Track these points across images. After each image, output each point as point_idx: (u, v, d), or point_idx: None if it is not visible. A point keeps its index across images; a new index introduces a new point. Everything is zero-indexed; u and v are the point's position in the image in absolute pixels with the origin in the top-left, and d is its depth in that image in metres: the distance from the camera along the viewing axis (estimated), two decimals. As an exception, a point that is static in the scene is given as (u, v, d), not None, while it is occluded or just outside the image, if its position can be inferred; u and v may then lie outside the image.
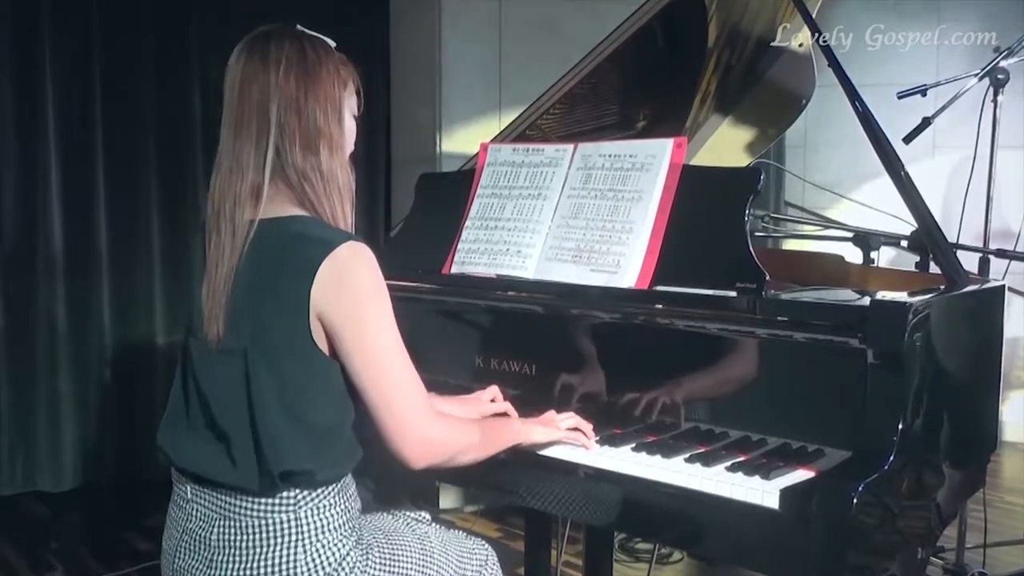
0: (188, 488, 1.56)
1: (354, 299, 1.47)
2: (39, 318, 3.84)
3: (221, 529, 1.51)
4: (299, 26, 1.60)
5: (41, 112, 3.78)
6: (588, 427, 1.76)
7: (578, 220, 1.93)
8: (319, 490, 1.52)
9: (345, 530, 1.54)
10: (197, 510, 1.54)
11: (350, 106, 1.62)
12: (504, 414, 1.86)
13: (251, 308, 1.49)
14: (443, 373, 2.03)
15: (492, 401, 1.89)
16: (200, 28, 4.06)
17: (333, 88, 1.56)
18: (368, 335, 1.49)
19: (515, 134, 2.34)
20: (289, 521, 1.50)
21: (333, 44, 1.62)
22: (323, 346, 1.49)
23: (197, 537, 1.53)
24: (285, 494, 1.49)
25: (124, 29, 3.90)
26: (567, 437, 1.74)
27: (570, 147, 2.02)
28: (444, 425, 1.57)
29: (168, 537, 1.60)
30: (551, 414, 1.78)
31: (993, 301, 1.95)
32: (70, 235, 3.88)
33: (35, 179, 3.81)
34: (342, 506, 1.55)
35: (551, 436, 1.73)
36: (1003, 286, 1.98)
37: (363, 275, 1.49)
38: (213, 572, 1.50)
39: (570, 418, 1.76)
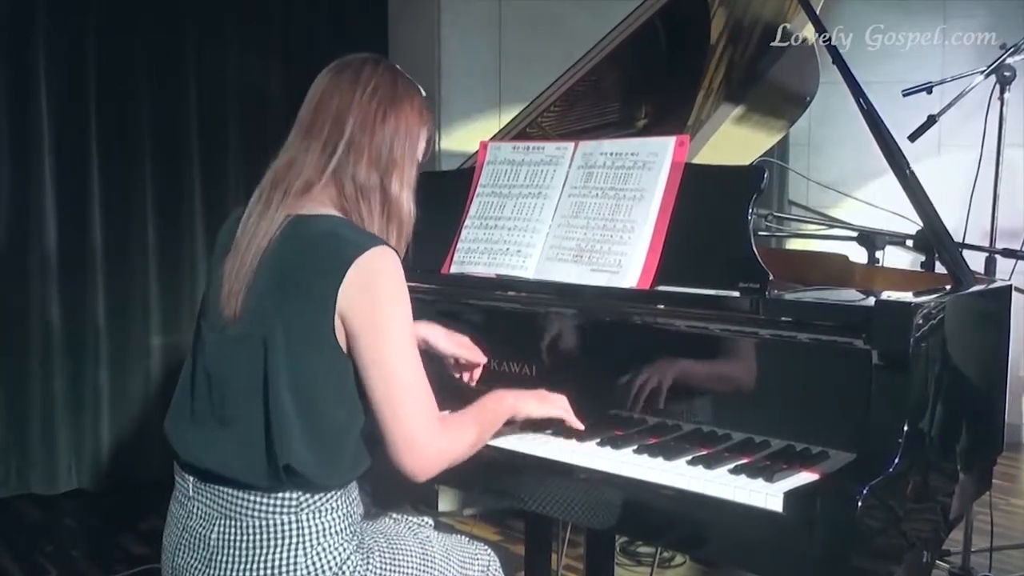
0: (190, 484, 1.55)
1: (375, 305, 1.48)
2: (32, 319, 3.82)
3: (222, 528, 1.50)
4: (397, 65, 1.67)
5: (35, 112, 3.75)
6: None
7: (579, 219, 1.92)
8: (321, 494, 1.51)
9: (347, 534, 1.54)
10: (198, 508, 1.54)
11: (420, 149, 1.66)
12: None
13: (276, 297, 1.49)
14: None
15: None
16: (197, 29, 4.04)
17: (415, 125, 1.62)
18: (384, 344, 1.49)
19: (515, 132, 2.33)
20: (290, 524, 1.49)
21: (424, 93, 1.67)
22: (342, 342, 1.49)
23: (197, 535, 1.52)
24: (287, 495, 1.49)
25: (120, 29, 3.88)
26: (560, 412, 1.73)
27: (571, 145, 2.01)
28: (448, 437, 1.56)
29: (168, 534, 1.60)
30: (543, 392, 1.76)
31: (1000, 301, 1.93)
32: (64, 236, 3.85)
33: (29, 179, 3.78)
34: (344, 510, 1.54)
35: (544, 411, 1.72)
36: (1010, 286, 1.97)
37: (387, 281, 1.49)
38: (212, 572, 1.50)
39: (562, 401, 1.75)
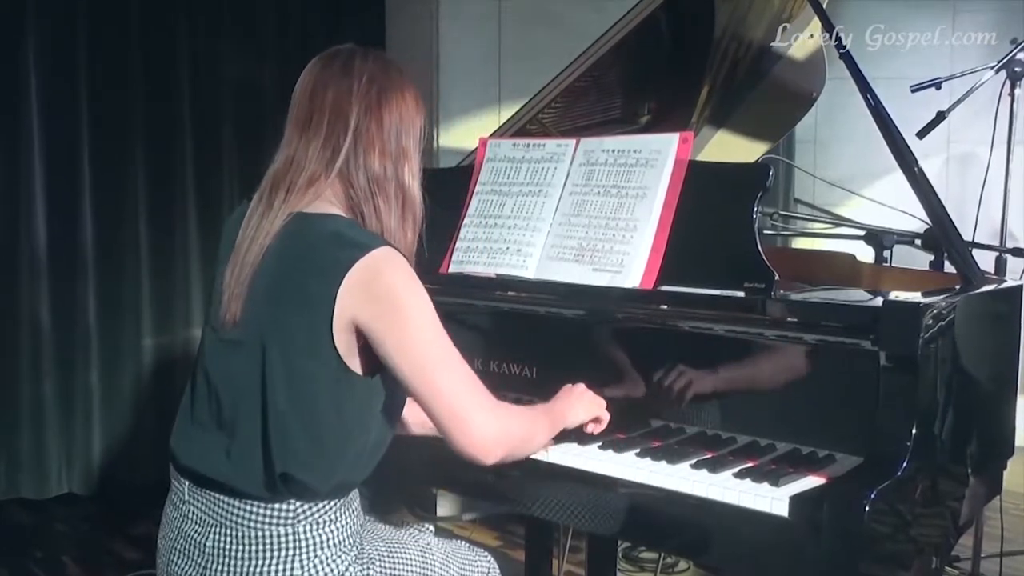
0: (186, 489, 1.52)
1: (389, 302, 1.43)
2: (22, 320, 3.77)
3: (217, 537, 1.48)
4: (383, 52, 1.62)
5: (25, 110, 3.71)
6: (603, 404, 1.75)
7: (580, 218, 1.89)
8: (320, 504, 1.48)
9: (345, 545, 1.51)
10: (194, 513, 1.51)
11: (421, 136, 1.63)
12: None
13: (273, 301, 1.46)
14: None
15: None
16: (190, 25, 4.01)
17: (414, 112, 1.57)
18: (408, 336, 1.44)
19: (515, 129, 2.31)
20: (287, 535, 1.46)
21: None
22: (344, 352, 1.44)
23: (192, 541, 1.50)
24: (284, 506, 1.45)
25: (111, 26, 3.85)
26: (602, 414, 1.73)
27: (572, 142, 1.99)
28: (506, 415, 1.53)
29: (163, 536, 1.57)
30: (577, 389, 1.73)
31: (1010, 301, 1.92)
32: (55, 235, 3.80)
33: (19, 177, 3.73)
34: (343, 521, 1.51)
35: (590, 414, 1.72)
36: (1020, 286, 1.96)
37: (395, 278, 1.44)
38: None
39: (585, 393, 1.73)
